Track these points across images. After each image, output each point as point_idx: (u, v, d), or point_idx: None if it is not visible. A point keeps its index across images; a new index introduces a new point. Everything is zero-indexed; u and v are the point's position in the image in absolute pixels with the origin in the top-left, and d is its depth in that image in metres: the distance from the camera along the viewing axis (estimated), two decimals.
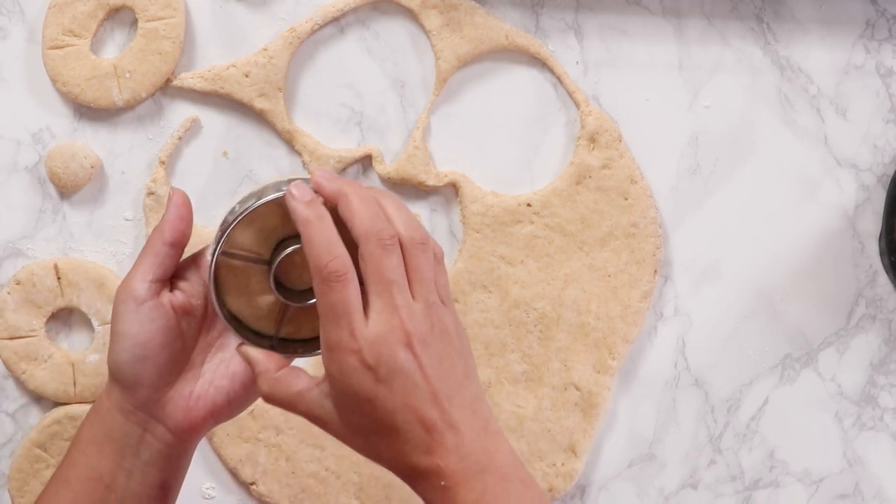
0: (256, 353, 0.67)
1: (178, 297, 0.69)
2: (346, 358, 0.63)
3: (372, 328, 0.63)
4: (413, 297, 0.64)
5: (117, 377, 0.68)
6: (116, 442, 0.69)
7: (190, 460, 0.72)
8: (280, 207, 0.67)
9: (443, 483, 0.64)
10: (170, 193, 0.70)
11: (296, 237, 0.67)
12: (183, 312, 0.69)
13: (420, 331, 0.64)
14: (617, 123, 0.86)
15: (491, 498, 0.63)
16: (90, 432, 0.70)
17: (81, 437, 0.70)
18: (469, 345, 0.68)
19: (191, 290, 0.70)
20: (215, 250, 0.67)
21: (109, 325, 0.69)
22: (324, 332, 0.64)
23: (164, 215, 0.69)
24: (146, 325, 0.67)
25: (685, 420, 0.87)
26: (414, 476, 0.65)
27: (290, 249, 0.68)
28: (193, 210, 0.85)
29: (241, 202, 0.69)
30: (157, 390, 0.68)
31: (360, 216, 0.64)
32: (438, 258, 0.68)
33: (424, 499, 0.65)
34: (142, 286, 0.67)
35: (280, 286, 0.69)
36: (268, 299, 0.69)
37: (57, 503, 0.70)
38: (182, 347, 0.69)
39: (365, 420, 0.64)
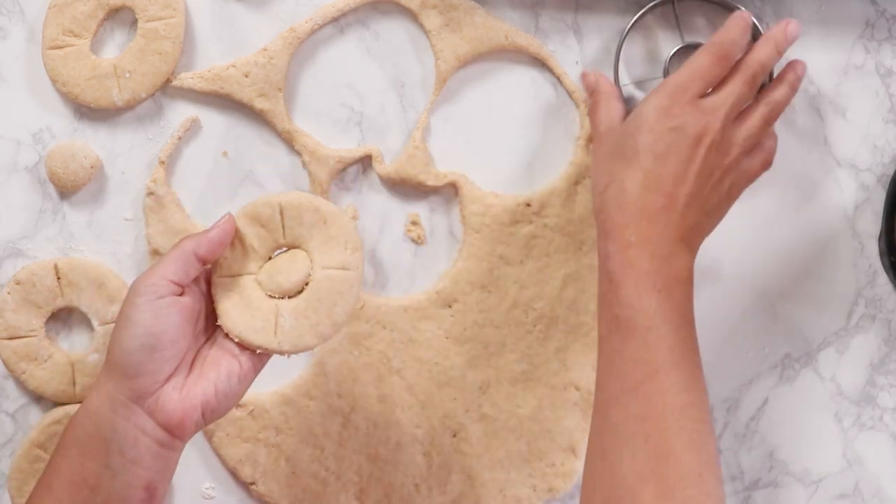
0: None
1: (188, 300, 0.71)
2: (661, 96, 0.76)
3: (709, 99, 0.76)
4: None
5: (121, 364, 0.69)
6: (103, 440, 0.69)
7: (175, 465, 0.73)
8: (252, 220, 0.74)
9: (632, 240, 0.73)
10: (223, 217, 0.73)
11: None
12: (190, 315, 0.71)
13: (726, 141, 0.76)
14: None
15: (659, 278, 0.73)
16: (73, 434, 0.71)
17: (64, 442, 0.71)
18: (724, 210, 0.79)
19: (196, 294, 0.73)
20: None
21: (117, 316, 0.71)
22: (671, 77, 0.77)
23: (208, 231, 0.72)
24: (161, 318, 0.69)
25: None
26: (617, 219, 0.74)
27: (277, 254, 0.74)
28: (194, 210, 0.86)
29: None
30: (155, 381, 0.70)
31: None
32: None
33: (606, 248, 0.74)
34: (163, 283, 0.70)
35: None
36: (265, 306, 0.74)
37: None
38: (184, 347, 0.71)
39: (631, 145, 0.75)
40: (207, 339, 0.74)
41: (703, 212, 0.76)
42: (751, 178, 0.79)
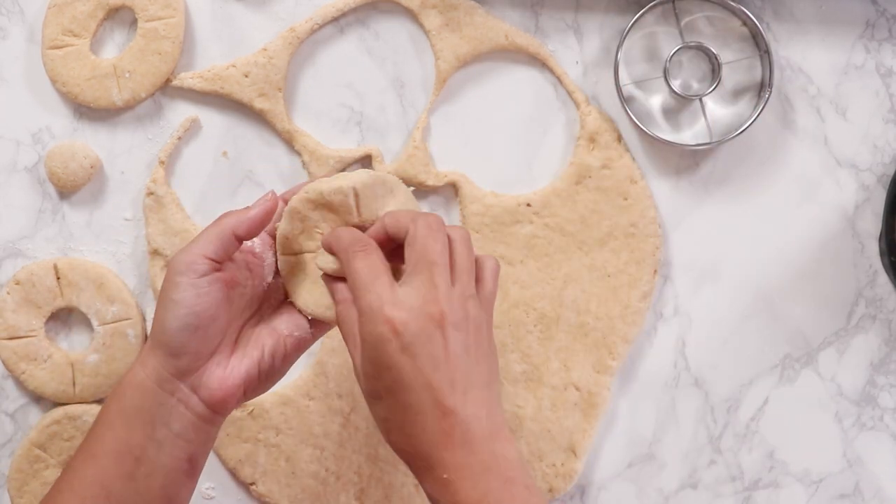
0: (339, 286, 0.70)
1: (228, 276, 0.71)
2: (377, 322, 0.65)
3: (407, 297, 0.65)
4: (453, 283, 0.67)
5: (165, 343, 0.70)
6: (148, 412, 0.70)
7: (216, 436, 0.73)
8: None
9: (446, 476, 0.64)
10: (265, 195, 0.73)
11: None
12: (231, 291, 0.71)
13: (454, 315, 0.66)
14: (616, 123, 0.86)
15: (493, 500, 0.64)
16: (118, 406, 0.71)
17: (108, 412, 0.71)
18: (496, 353, 0.69)
19: (237, 269, 0.72)
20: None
21: (159, 294, 0.71)
22: (357, 299, 0.66)
23: (249, 208, 0.72)
24: (203, 297, 0.69)
25: (685, 420, 0.87)
26: (419, 462, 0.66)
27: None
28: (193, 210, 0.86)
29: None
30: (199, 359, 0.70)
31: (411, 213, 0.69)
32: (493, 271, 0.70)
33: (426, 489, 0.66)
34: (202, 261, 0.70)
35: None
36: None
37: (83, 478, 0.70)
38: (227, 322, 0.71)
39: (384, 388, 0.66)
40: (252, 315, 0.74)
41: (484, 384, 0.67)
42: (490, 307, 0.70)
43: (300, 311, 0.73)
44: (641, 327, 0.86)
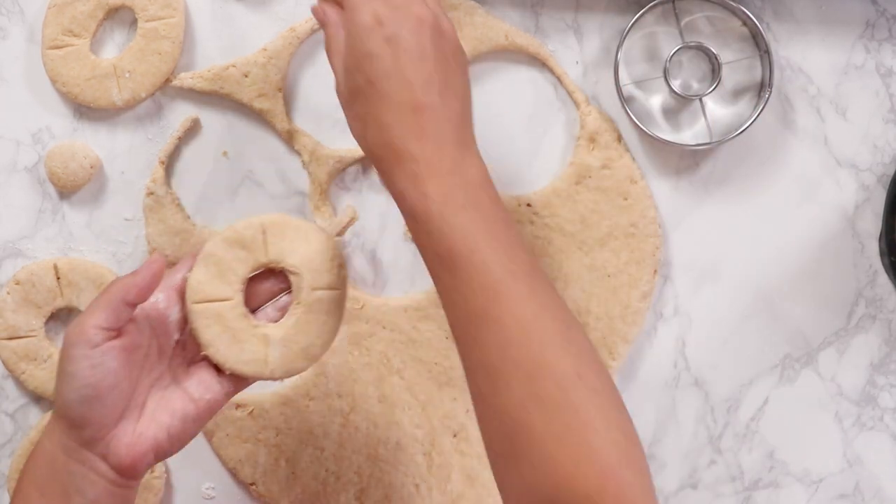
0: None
1: (127, 340, 0.69)
2: (363, 12, 0.68)
3: None
4: None
5: (65, 415, 0.69)
6: (61, 483, 0.69)
7: (135, 496, 0.72)
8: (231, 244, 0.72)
9: (415, 168, 0.67)
10: (151, 258, 0.72)
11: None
12: (131, 355, 0.70)
13: (440, 21, 0.70)
14: (616, 123, 0.86)
15: (458, 198, 0.66)
16: (30, 478, 0.70)
17: (23, 486, 0.70)
18: (467, 80, 0.72)
19: (137, 332, 0.70)
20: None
21: (57, 366, 0.70)
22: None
23: (136, 274, 0.70)
24: (98, 368, 0.68)
25: (685, 420, 0.87)
26: (391, 156, 0.68)
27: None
28: (194, 211, 0.86)
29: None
30: (103, 428, 0.69)
31: None
32: None
33: (394, 187, 0.68)
34: (94, 332, 0.68)
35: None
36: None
37: None
38: (130, 387, 0.70)
39: (364, 80, 0.68)
40: (162, 375, 0.72)
41: (458, 97, 0.70)
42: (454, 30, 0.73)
43: (216, 366, 0.72)
44: (641, 327, 0.86)
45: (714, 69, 0.84)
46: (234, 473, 0.87)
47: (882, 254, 0.85)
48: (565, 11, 0.86)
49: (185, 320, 0.72)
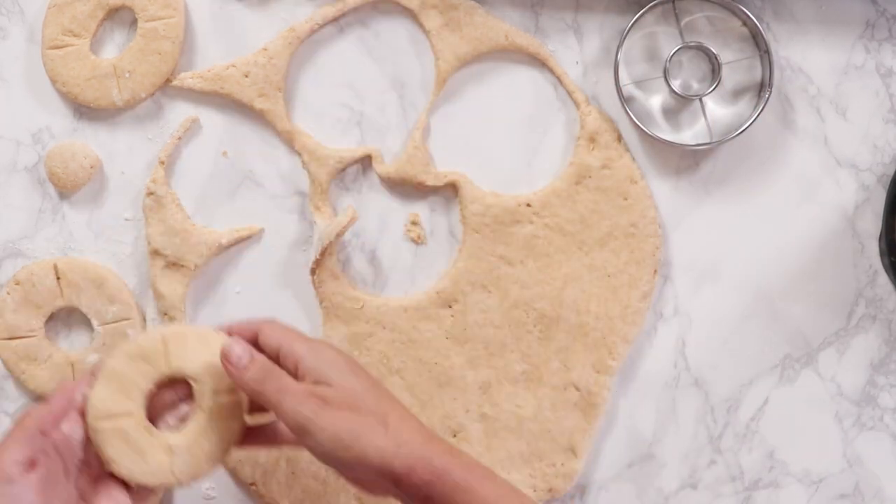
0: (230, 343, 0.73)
1: (42, 470, 0.69)
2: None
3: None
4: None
5: None
6: None
7: None
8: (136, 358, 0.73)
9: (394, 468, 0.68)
10: (61, 383, 0.73)
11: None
12: (46, 485, 0.69)
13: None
14: (616, 123, 0.86)
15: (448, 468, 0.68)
16: None
17: None
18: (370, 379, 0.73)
19: (48, 459, 0.70)
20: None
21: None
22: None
23: (49, 403, 0.71)
24: (16, 503, 0.68)
25: (685, 420, 0.87)
26: (379, 472, 0.68)
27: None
28: (193, 211, 0.86)
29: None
30: None
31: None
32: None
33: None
34: (12, 467, 0.68)
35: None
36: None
37: None
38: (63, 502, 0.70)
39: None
40: (70, 496, 0.71)
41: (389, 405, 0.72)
42: None
43: (122, 480, 0.72)
44: (641, 327, 0.86)
45: (714, 69, 0.84)
46: (234, 473, 0.87)
47: (882, 254, 0.85)
48: (565, 11, 0.86)
49: (87, 439, 0.72)
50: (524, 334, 0.86)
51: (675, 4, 0.84)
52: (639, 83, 0.85)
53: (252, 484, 0.87)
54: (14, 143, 0.87)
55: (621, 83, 0.84)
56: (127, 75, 0.85)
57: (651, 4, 0.83)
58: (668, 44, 0.85)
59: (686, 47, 0.84)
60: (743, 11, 0.83)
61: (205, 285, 0.87)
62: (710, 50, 0.84)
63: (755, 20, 0.82)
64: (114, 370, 0.73)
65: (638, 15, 0.83)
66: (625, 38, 0.84)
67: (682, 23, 0.85)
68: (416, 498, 0.69)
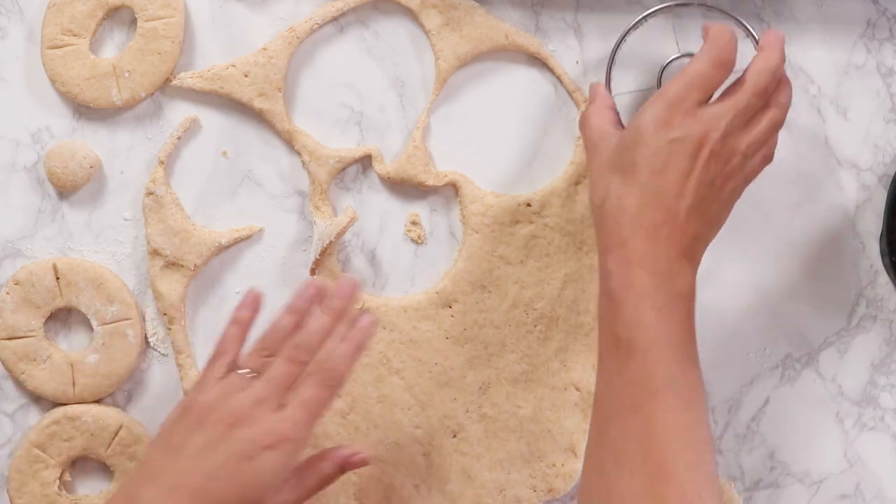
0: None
1: None
2: (659, 107, 0.74)
3: (711, 108, 0.74)
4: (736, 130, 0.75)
5: None
6: None
7: None
8: None
9: (630, 258, 0.72)
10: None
11: None
12: None
13: (726, 152, 0.74)
14: None
15: (659, 297, 0.71)
16: None
17: None
18: (728, 210, 0.77)
19: None
20: None
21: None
22: (670, 85, 0.75)
23: None
24: None
25: None
26: (615, 237, 0.72)
27: None
28: (193, 211, 0.86)
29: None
30: None
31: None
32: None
33: (606, 267, 0.73)
34: None
35: None
36: None
37: None
38: None
39: (629, 159, 0.73)
40: None
41: (704, 222, 0.74)
42: (751, 178, 0.78)
43: None
44: None
45: None
46: None
47: (883, 254, 0.84)
48: (565, 11, 0.86)
49: None
50: (524, 334, 0.86)
51: (672, 12, 0.84)
52: (632, 92, 0.85)
53: None
54: (13, 142, 0.87)
55: (614, 92, 0.84)
56: (126, 75, 0.85)
57: (646, 13, 0.83)
58: (664, 53, 0.85)
59: (681, 57, 0.84)
60: (740, 21, 0.83)
61: (204, 285, 0.87)
62: None
63: (752, 31, 0.82)
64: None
65: (633, 23, 0.83)
66: (619, 46, 0.83)
67: (679, 32, 0.85)
68: None
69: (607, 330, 0.72)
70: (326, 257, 0.85)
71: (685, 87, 0.73)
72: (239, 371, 0.74)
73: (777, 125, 0.76)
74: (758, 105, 0.75)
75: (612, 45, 0.84)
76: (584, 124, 0.79)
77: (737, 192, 0.77)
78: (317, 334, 0.75)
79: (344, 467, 0.80)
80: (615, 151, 0.75)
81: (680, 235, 0.73)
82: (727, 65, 0.75)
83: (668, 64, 0.83)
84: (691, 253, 0.74)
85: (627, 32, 0.83)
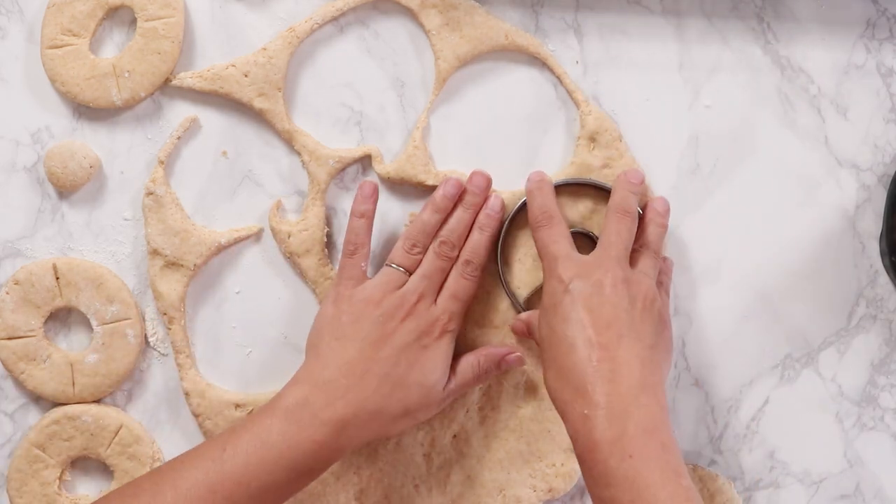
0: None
1: None
2: (557, 271, 0.76)
3: (580, 258, 0.77)
4: (634, 263, 0.79)
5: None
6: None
7: None
8: None
9: (586, 412, 0.69)
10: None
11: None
12: None
13: (619, 273, 0.76)
14: (617, 123, 0.86)
15: (627, 446, 0.68)
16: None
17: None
18: (670, 329, 0.79)
19: None
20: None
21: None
22: (542, 261, 0.79)
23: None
24: None
25: (685, 420, 0.87)
26: (566, 397, 0.72)
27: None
28: (193, 210, 0.85)
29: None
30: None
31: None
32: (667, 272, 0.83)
33: (567, 429, 0.72)
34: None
35: None
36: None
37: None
38: None
39: (547, 326, 0.75)
40: None
41: (641, 341, 0.74)
42: (665, 294, 0.82)
43: None
44: None
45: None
46: None
47: (883, 254, 0.84)
48: (565, 11, 0.86)
49: None
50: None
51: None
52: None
53: None
54: (13, 142, 0.87)
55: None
56: (126, 75, 0.85)
57: (521, 202, 0.84)
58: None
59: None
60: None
61: (204, 285, 0.87)
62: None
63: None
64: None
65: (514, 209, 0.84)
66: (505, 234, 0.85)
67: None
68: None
69: (591, 490, 0.71)
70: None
71: (544, 252, 0.79)
72: (392, 265, 0.81)
73: (657, 254, 0.81)
74: (630, 234, 0.80)
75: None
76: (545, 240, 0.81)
77: (663, 307, 0.79)
78: (459, 229, 0.82)
79: (501, 365, 0.83)
80: (539, 327, 0.78)
81: (622, 366, 0.72)
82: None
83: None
84: (642, 380, 0.72)
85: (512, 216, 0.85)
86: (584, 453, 0.70)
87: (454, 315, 0.81)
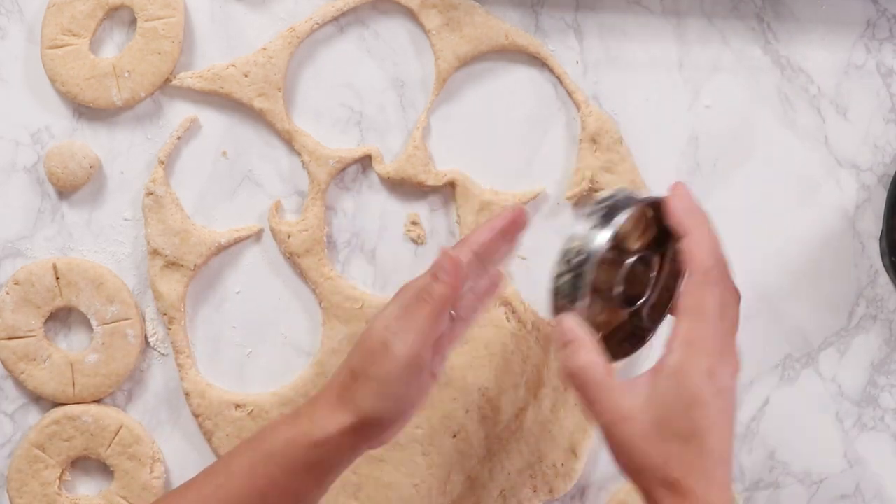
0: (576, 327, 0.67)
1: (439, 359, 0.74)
2: (700, 357, 0.65)
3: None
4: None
5: (370, 423, 0.71)
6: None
7: None
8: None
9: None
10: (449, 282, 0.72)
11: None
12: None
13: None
14: (617, 123, 0.86)
15: None
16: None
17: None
18: None
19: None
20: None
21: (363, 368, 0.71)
22: (685, 325, 0.66)
23: (451, 300, 0.72)
24: (417, 389, 0.72)
25: None
26: (664, 489, 0.64)
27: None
28: (193, 210, 0.86)
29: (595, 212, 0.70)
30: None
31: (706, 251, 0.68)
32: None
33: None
34: (427, 355, 0.71)
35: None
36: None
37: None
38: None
39: (683, 423, 0.64)
40: None
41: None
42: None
43: None
44: None
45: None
46: None
47: (883, 254, 0.84)
48: (565, 11, 0.86)
49: None
50: (524, 334, 0.86)
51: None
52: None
53: None
54: (13, 142, 0.87)
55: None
56: (126, 75, 0.85)
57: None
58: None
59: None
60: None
61: (204, 285, 0.87)
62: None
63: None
64: None
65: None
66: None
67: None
68: None
69: None
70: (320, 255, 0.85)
71: (698, 321, 0.67)
72: None
73: None
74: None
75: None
76: (572, 377, 0.67)
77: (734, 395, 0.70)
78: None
79: (490, 290, 0.78)
80: (659, 417, 0.65)
81: (724, 477, 0.65)
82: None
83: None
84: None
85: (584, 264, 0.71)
86: None
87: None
